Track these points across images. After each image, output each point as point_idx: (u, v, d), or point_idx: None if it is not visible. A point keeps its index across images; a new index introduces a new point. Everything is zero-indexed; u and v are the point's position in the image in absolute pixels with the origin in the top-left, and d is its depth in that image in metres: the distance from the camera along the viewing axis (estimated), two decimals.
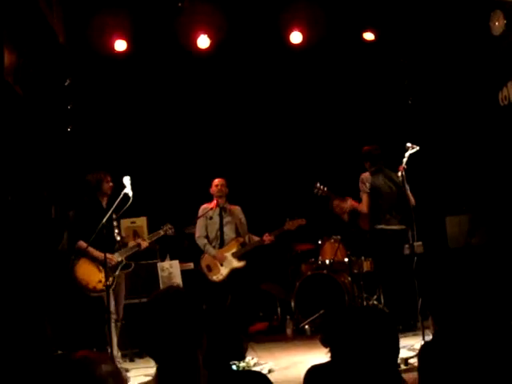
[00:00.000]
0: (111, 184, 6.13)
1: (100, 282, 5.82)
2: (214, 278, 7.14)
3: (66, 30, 7.29)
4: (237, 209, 7.37)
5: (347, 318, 2.59)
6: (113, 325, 5.81)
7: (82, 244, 5.81)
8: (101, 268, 5.83)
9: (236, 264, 7.18)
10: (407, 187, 6.77)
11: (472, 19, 7.39)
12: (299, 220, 7.25)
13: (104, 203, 6.07)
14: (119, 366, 5.71)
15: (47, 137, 6.73)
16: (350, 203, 6.97)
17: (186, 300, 1.98)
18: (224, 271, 7.15)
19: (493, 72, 7.35)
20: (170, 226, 6.45)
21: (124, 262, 6.05)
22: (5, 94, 5.10)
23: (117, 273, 5.98)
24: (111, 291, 5.90)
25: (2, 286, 5.14)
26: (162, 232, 6.38)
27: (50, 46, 6.57)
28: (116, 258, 5.99)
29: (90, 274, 5.87)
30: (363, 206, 6.86)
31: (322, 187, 7.04)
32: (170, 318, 1.92)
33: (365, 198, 6.83)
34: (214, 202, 7.23)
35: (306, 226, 7.43)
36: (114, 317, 5.89)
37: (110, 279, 5.86)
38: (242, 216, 7.37)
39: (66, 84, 7.24)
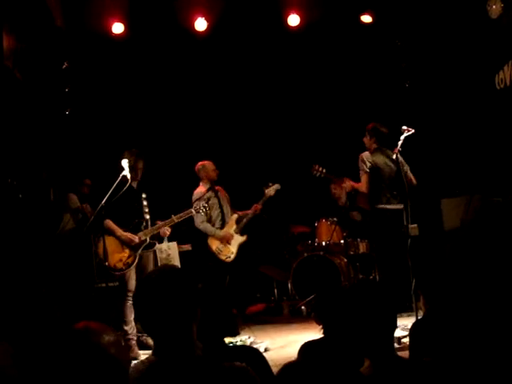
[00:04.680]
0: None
1: (120, 260, 5.88)
2: (227, 258, 7.18)
3: (64, 13, 7.30)
4: (223, 189, 7.44)
5: (337, 296, 2.68)
6: (130, 303, 5.86)
7: (108, 222, 5.86)
8: (124, 247, 5.92)
9: (241, 239, 7.27)
10: (407, 168, 6.83)
11: (469, 2, 7.40)
12: (274, 185, 7.35)
13: (135, 184, 6.10)
14: (133, 342, 5.84)
15: (46, 120, 6.78)
16: (348, 183, 6.91)
17: (180, 276, 2.08)
18: (233, 249, 7.21)
19: (490, 55, 7.38)
20: (204, 204, 6.40)
21: (148, 242, 6.05)
22: (4, 79, 5.14)
23: (139, 251, 5.99)
24: (134, 269, 5.96)
25: (2, 270, 5.22)
26: (193, 211, 6.26)
27: (47, 30, 6.59)
28: (140, 237, 5.99)
29: (112, 253, 5.86)
30: (362, 185, 6.78)
31: (320, 169, 7.02)
32: (164, 293, 2.01)
33: (364, 177, 6.73)
34: (203, 186, 7.21)
35: (302, 207, 7.48)
36: (131, 294, 5.90)
37: (131, 258, 5.93)
38: (227, 195, 7.47)
39: (63, 67, 7.26)
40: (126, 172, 5.72)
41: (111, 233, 5.89)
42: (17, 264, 5.47)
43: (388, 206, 6.64)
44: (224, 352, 2.56)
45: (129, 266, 5.92)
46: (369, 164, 6.71)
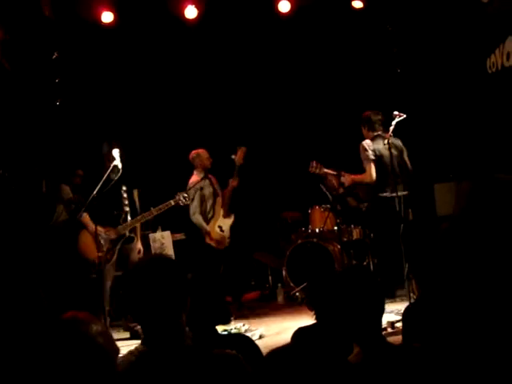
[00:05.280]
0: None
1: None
2: (227, 243, 7.26)
3: (53, 3, 7.24)
4: (214, 177, 7.43)
5: (329, 282, 2.70)
6: (106, 294, 5.88)
7: (84, 217, 5.81)
8: (102, 242, 5.86)
9: (230, 221, 7.30)
10: (406, 153, 6.82)
11: None
12: (240, 150, 7.22)
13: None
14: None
15: (36, 111, 6.74)
16: (348, 177, 6.70)
17: (168, 265, 2.08)
18: (227, 234, 7.26)
19: (481, 39, 7.37)
20: (184, 195, 6.25)
21: (127, 236, 6.01)
22: None
23: (118, 246, 5.96)
24: (113, 263, 5.94)
25: None
26: (172, 202, 6.17)
27: (36, 20, 6.54)
28: (119, 231, 5.95)
29: (91, 247, 5.85)
30: (368, 175, 6.56)
31: (317, 165, 6.88)
32: (153, 282, 2.02)
33: (370, 166, 6.54)
34: (197, 174, 7.19)
35: (295, 194, 7.43)
36: (107, 287, 5.92)
37: (110, 253, 5.89)
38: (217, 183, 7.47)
39: (53, 57, 7.21)
40: (118, 162, 5.71)
41: (85, 227, 5.85)
42: (9, 256, 5.47)
43: (393, 194, 6.44)
44: (216, 340, 2.58)
45: (107, 261, 5.88)
46: (371, 152, 6.58)
